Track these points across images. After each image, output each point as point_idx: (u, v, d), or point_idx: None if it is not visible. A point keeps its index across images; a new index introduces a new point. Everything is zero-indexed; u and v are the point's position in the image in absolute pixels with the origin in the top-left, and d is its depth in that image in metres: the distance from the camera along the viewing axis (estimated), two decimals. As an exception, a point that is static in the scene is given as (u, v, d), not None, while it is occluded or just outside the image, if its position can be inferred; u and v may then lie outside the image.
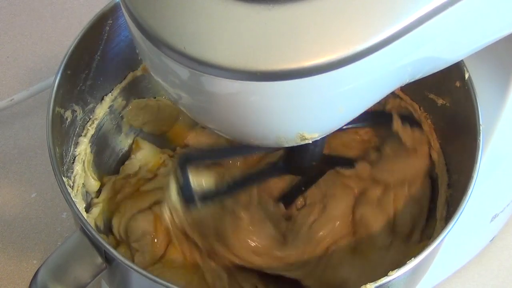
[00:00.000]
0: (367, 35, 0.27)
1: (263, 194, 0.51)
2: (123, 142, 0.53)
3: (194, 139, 0.53)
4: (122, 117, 0.52)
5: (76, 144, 0.46)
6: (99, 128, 0.49)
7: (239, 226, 0.49)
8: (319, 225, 0.49)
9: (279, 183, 0.51)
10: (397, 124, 0.49)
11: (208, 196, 0.49)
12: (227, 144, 0.52)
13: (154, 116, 0.54)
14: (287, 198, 0.51)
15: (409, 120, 0.49)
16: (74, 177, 0.45)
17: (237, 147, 0.50)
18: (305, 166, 0.47)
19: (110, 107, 0.49)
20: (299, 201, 0.52)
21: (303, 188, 0.51)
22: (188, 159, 0.49)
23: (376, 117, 0.51)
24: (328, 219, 0.49)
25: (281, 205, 0.51)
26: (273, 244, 0.49)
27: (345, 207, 0.50)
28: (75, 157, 0.46)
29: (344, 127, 0.34)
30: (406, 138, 0.49)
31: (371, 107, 0.33)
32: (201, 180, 0.49)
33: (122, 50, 0.48)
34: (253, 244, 0.48)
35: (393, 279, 0.35)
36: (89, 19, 0.44)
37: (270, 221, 0.50)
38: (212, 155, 0.51)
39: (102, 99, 0.48)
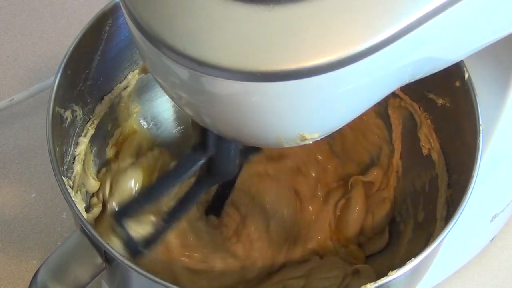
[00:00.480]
0: (367, 36, 0.27)
1: (193, 214, 0.51)
2: (123, 142, 0.53)
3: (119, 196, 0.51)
4: (122, 117, 0.52)
5: (76, 144, 0.46)
6: (99, 128, 0.49)
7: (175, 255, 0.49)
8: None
9: (205, 197, 0.51)
10: None
11: (151, 240, 0.47)
12: (154, 181, 0.50)
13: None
14: (216, 207, 0.52)
15: None
16: (74, 177, 0.45)
17: (163, 181, 0.48)
18: (226, 170, 0.46)
19: (110, 107, 0.49)
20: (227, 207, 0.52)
21: (227, 191, 0.51)
22: (123, 213, 0.47)
23: None
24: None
25: (213, 218, 0.52)
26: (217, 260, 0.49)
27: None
28: (75, 157, 0.45)
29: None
30: None
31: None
32: (139, 228, 0.47)
33: (122, 50, 0.48)
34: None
35: (393, 279, 0.35)
36: (89, 19, 0.44)
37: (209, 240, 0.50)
38: (144, 199, 0.48)
39: (102, 99, 0.48)
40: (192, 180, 0.46)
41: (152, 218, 0.48)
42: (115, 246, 0.45)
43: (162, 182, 0.47)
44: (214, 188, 0.51)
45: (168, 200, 0.49)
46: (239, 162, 0.46)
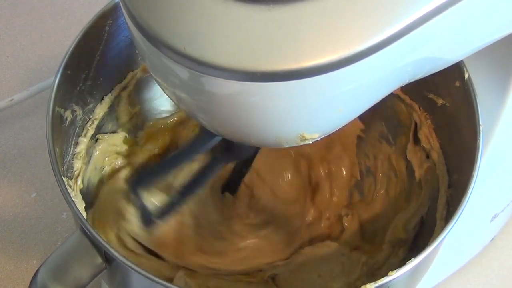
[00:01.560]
0: (367, 36, 0.27)
1: (208, 190, 0.51)
2: (123, 142, 0.53)
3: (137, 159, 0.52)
4: (122, 117, 0.52)
5: (76, 144, 0.46)
6: (99, 128, 0.49)
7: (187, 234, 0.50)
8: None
9: (222, 173, 0.51)
10: None
11: (165, 211, 0.48)
12: (170, 154, 0.51)
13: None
14: (231, 185, 0.52)
15: None
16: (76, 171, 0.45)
17: (179, 154, 0.49)
18: (243, 149, 0.45)
19: (110, 107, 0.49)
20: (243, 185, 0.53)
21: (243, 170, 0.51)
22: (138, 182, 0.48)
23: None
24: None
25: (228, 195, 0.52)
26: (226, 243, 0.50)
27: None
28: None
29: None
30: None
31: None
32: (153, 198, 0.49)
33: (122, 50, 0.48)
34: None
35: (393, 279, 0.35)
36: (89, 19, 0.44)
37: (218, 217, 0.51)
38: (159, 170, 0.49)
39: (102, 99, 0.48)
40: (209, 155, 0.46)
41: (166, 189, 0.49)
42: (130, 214, 0.47)
43: (179, 154, 0.48)
44: (231, 165, 0.50)
45: (184, 173, 0.50)
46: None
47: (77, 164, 0.45)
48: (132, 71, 0.50)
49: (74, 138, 0.46)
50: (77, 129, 0.46)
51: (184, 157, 0.47)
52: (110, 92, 0.49)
